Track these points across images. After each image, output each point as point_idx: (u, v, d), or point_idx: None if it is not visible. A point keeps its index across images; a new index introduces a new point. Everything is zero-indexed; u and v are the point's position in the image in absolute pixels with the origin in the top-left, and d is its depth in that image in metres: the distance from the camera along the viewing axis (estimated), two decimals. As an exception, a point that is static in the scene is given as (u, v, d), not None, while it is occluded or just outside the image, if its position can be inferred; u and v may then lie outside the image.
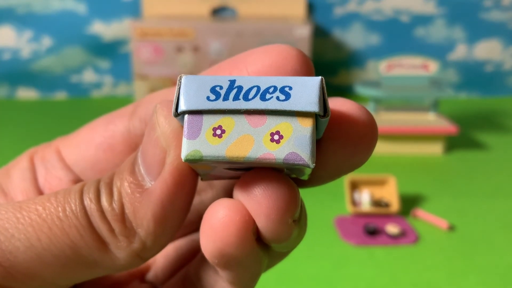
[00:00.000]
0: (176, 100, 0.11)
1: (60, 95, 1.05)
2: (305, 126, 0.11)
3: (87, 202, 0.13)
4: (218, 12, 1.00)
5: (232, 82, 0.11)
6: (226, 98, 0.11)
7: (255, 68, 0.12)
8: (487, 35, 1.05)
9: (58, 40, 1.01)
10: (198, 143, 0.11)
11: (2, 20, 0.99)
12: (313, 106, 0.11)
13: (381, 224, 0.54)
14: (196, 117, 0.11)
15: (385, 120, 0.76)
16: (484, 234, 0.54)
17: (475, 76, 1.08)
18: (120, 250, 0.13)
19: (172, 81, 0.91)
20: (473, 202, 0.61)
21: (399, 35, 1.05)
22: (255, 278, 0.14)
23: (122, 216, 0.13)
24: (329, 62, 1.07)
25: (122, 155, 0.15)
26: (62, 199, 0.13)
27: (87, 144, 0.16)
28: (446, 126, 0.74)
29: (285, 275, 0.46)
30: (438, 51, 1.05)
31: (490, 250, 0.50)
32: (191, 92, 0.11)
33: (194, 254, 0.17)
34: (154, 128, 0.12)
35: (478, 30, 1.05)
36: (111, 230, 0.13)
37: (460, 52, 1.06)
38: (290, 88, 0.11)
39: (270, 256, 0.14)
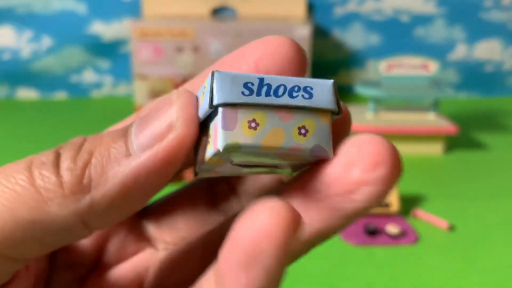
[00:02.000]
0: (210, 94, 0.12)
1: (60, 95, 1.05)
2: (325, 122, 0.12)
3: (35, 165, 0.12)
4: (218, 12, 1.00)
5: (261, 80, 0.12)
6: (259, 94, 0.12)
7: (254, 58, 0.13)
8: (487, 35, 1.05)
9: (58, 40, 1.01)
10: (235, 134, 0.12)
11: (2, 20, 0.99)
12: (331, 104, 0.13)
13: (381, 224, 0.54)
14: (231, 110, 0.12)
15: (385, 120, 0.76)
16: (484, 234, 0.54)
17: (475, 76, 1.08)
18: (63, 206, 0.12)
19: (172, 81, 0.91)
20: (473, 202, 0.61)
21: (399, 35, 1.05)
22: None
23: (83, 170, 0.12)
24: (329, 62, 1.07)
25: None
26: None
27: None
28: (446, 126, 0.74)
29: (285, 275, 0.46)
30: (438, 51, 1.05)
31: (490, 250, 0.50)
32: (226, 86, 0.12)
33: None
34: (170, 103, 0.12)
35: (478, 30, 1.05)
36: (59, 184, 0.12)
37: (460, 52, 1.06)
38: (311, 88, 0.12)
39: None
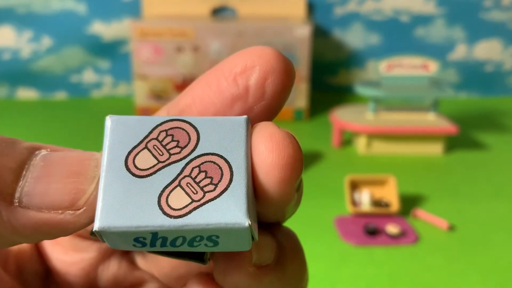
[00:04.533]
0: (99, 236, 0.11)
1: (60, 95, 1.05)
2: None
3: None
4: (218, 12, 1.00)
5: (155, 234, 0.11)
6: (153, 245, 0.11)
7: (233, 73, 0.13)
8: (487, 35, 1.05)
9: (58, 40, 1.01)
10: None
11: (2, 20, 0.99)
12: (244, 248, 0.12)
13: (381, 224, 0.54)
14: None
15: (385, 120, 0.76)
16: (484, 234, 0.54)
17: (475, 76, 1.08)
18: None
19: (172, 81, 0.91)
20: (473, 202, 0.61)
21: (399, 35, 1.05)
22: None
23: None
24: (329, 62, 1.07)
25: None
26: None
27: None
28: (446, 126, 0.74)
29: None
30: (438, 51, 1.05)
31: (490, 250, 0.50)
32: (114, 237, 0.11)
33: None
34: (85, 174, 0.11)
35: (478, 30, 1.05)
36: None
37: (460, 52, 1.06)
38: (217, 236, 0.11)
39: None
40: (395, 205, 0.56)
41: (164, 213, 0.11)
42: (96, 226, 0.11)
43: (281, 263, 0.13)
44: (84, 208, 0.11)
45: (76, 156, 0.11)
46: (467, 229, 0.54)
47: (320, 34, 1.05)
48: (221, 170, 0.11)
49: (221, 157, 0.11)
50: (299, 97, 0.90)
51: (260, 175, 0.12)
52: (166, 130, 0.12)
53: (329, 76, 1.09)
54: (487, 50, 1.06)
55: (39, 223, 0.11)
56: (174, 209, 0.11)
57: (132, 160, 0.11)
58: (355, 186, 0.58)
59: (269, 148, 0.12)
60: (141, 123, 0.12)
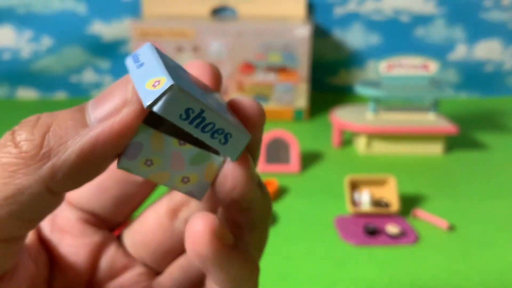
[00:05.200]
0: (157, 97, 0.13)
1: (60, 95, 1.05)
2: (206, 180, 0.15)
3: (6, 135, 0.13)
4: (218, 12, 1.00)
5: (201, 112, 0.14)
6: (191, 122, 0.14)
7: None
8: (487, 35, 1.05)
9: (58, 40, 1.00)
10: (132, 163, 0.14)
11: (2, 20, 0.99)
12: (234, 157, 0.15)
13: (381, 224, 0.54)
14: (137, 145, 0.14)
15: (385, 120, 0.76)
16: (484, 234, 0.54)
17: (475, 76, 1.08)
18: (27, 176, 0.13)
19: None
20: (473, 202, 0.61)
21: (399, 35, 1.05)
22: (239, 284, 0.15)
23: (42, 139, 0.13)
24: (329, 62, 1.07)
25: (112, 187, 0.18)
26: None
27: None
28: (446, 126, 0.74)
29: (285, 275, 0.46)
30: (438, 51, 1.05)
31: (490, 250, 0.50)
32: (173, 101, 0.13)
33: (197, 271, 0.18)
34: (125, 83, 0.14)
35: (478, 30, 1.05)
36: (19, 154, 0.13)
37: (460, 52, 1.06)
38: (231, 136, 0.14)
39: (256, 235, 0.16)
40: (395, 205, 0.56)
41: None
42: (168, 85, 0.13)
43: (261, 185, 0.16)
44: (134, 98, 0.13)
45: (112, 84, 0.14)
46: (467, 229, 0.54)
47: (320, 34, 1.04)
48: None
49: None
50: (299, 97, 0.90)
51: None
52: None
53: (329, 76, 1.09)
54: (487, 50, 1.06)
55: (110, 131, 0.13)
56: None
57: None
58: (355, 186, 0.58)
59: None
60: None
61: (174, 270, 0.18)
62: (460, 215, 0.57)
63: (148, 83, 0.13)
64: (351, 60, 1.07)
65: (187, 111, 0.13)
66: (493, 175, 0.69)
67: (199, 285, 0.18)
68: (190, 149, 0.14)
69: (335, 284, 0.45)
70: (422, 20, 1.04)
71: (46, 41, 1.00)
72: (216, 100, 0.15)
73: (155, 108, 0.13)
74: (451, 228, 0.55)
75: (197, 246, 0.14)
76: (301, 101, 0.91)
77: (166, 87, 0.13)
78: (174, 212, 0.18)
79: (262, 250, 0.17)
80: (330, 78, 1.09)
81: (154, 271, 0.19)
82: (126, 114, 0.13)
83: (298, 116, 0.91)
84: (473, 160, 0.74)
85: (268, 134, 0.69)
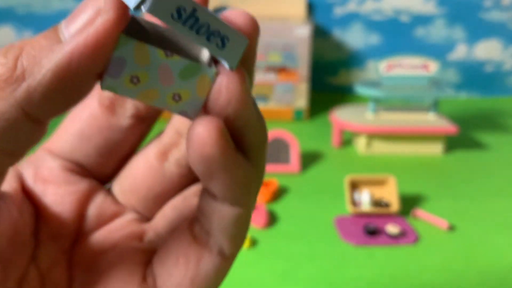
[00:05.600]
0: None
1: (60, 95, 1.05)
2: (200, 95, 0.14)
3: None
4: (218, 12, 1.00)
5: (194, 10, 0.13)
6: (184, 23, 0.13)
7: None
8: (487, 35, 1.05)
9: (58, 40, 1.01)
10: (116, 82, 0.13)
11: (2, 20, 0.99)
12: (233, 63, 0.13)
13: (381, 224, 0.54)
14: (120, 60, 0.13)
15: (385, 120, 0.76)
16: (484, 234, 0.54)
17: (475, 76, 1.08)
18: (1, 100, 0.12)
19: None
20: (473, 202, 0.61)
21: (399, 35, 1.05)
22: (243, 188, 0.14)
23: (15, 61, 0.12)
24: (329, 62, 1.07)
25: (95, 136, 0.17)
26: None
27: (66, 133, 0.17)
28: (446, 126, 0.74)
29: (285, 275, 0.46)
30: (438, 51, 1.05)
31: (490, 250, 0.50)
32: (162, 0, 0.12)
33: (191, 210, 0.17)
34: None
35: (478, 30, 1.05)
36: None
37: (460, 52, 1.06)
38: (228, 39, 0.13)
39: (253, 163, 0.15)
40: (395, 205, 0.56)
41: None
42: None
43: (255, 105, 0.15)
44: (108, 5, 0.12)
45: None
46: (467, 229, 0.54)
47: (320, 34, 1.05)
48: None
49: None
50: (299, 97, 0.90)
51: None
52: None
53: (329, 76, 1.08)
54: (487, 50, 1.06)
55: (85, 43, 0.12)
56: None
57: None
58: (355, 186, 0.58)
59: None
60: None
61: (167, 211, 0.17)
62: (460, 215, 0.57)
63: None
64: (351, 60, 1.07)
65: (178, 10, 0.12)
66: (493, 175, 0.69)
67: (193, 224, 0.17)
68: (178, 61, 0.13)
69: (335, 284, 0.45)
70: (422, 20, 1.04)
71: (46, 41, 1.00)
72: (210, 11, 0.14)
73: (144, 8, 0.12)
74: (451, 228, 0.55)
75: (203, 148, 0.13)
76: (301, 101, 0.91)
77: None
78: (164, 154, 0.17)
79: (260, 186, 0.16)
80: (330, 78, 1.08)
81: (145, 217, 0.18)
82: (100, 23, 0.12)
83: (298, 116, 0.91)
84: (473, 160, 0.74)
85: (268, 134, 0.69)
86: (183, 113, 0.14)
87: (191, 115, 0.14)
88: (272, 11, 0.97)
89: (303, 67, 0.89)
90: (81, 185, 0.17)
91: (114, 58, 0.13)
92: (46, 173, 0.17)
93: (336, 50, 1.06)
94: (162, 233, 0.17)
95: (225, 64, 0.13)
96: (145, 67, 0.13)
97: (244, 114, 0.14)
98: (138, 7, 0.12)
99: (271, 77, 0.90)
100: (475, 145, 0.80)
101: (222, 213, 0.15)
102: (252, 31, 0.14)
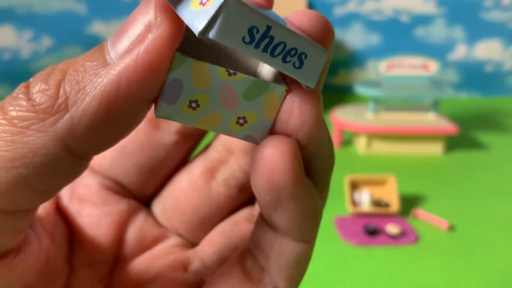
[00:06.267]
0: (211, 17, 0.10)
1: (60, 95, 1.05)
2: (268, 118, 0.12)
3: (6, 101, 0.11)
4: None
5: (268, 29, 0.11)
6: (257, 46, 0.11)
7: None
8: (487, 35, 1.05)
9: (58, 40, 1.01)
10: (173, 108, 0.11)
11: (2, 20, 0.99)
12: (312, 82, 0.11)
13: (381, 224, 0.54)
14: (176, 83, 0.11)
15: (385, 120, 0.76)
16: (484, 234, 0.54)
17: (475, 76, 1.08)
18: (41, 132, 0.10)
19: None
20: (473, 202, 0.61)
21: (399, 35, 1.05)
22: (311, 222, 0.13)
23: (56, 89, 0.10)
24: (329, 62, 1.07)
25: (136, 152, 0.15)
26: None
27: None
28: (446, 126, 0.74)
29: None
30: (438, 51, 1.05)
31: (490, 250, 0.50)
32: (233, 21, 0.10)
33: (241, 237, 0.15)
34: (146, 6, 0.11)
35: (478, 30, 1.05)
36: (32, 107, 0.10)
37: (460, 52, 1.06)
38: (306, 56, 0.11)
39: (319, 189, 0.13)
40: (395, 205, 0.56)
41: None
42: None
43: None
44: (160, 18, 0.10)
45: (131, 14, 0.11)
46: (467, 229, 0.54)
47: (320, 34, 1.05)
48: None
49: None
50: (299, 97, 0.91)
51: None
52: None
53: (329, 76, 1.09)
54: (487, 50, 1.06)
55: (135, 65, 0.10)
56: None
57: None
58: (355, 186, 0.58)
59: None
60: None
61: (215, 237, 0.16)
62: (460, 215, 0.57)
63: (192, 2, 0.10)
64: (351, 60, 1.07)
65: (250, 30, 0.11)
66: (493, 175, 0.69)
67: (245, 256, 0.14)
68: (243, 79, 0.11)
69: (335, 284, 0.45)
70: (422, 20, 1.04)
71: (46, 41, 1.00)
72: (276, 16, 0.12)
73: (212, 34, 0.10)
74: (451, 228, 0.55)
75: (274, 173, 0.11)
76: (301, 101, 0.91)
77: (220, 1, 0.10)
78: (210, 172, 0.15)
79: (322, 211, 0.14)
80: (330, 78, 1.08)
81: (190, 242, 0.16)
82: (152, 40, 0.10)
83: (298, 116, 0.91)
84: (473, 160, 0.74)
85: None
86: (249, 138, 0.12)
87: (258, 140, 0.12)
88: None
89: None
90: (120, 205, 0.15)
91: (169, 81, 0.11)
92: (83, 191, 0.15)
93: (336, 50, 1.06)
94: (209, 263, 0.16)
95: (303, 84, 0.11)
96: (204, 89, 0.11)
97: (317, 139, 0.12)
98: (204, 31, 0.10)
99: (271, 77, 0.90)
100: (475, 145, 0.80)
101: (282, 248, 0.13)
102: (328, 40, 0.12)
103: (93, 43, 1.02)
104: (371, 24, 1.04)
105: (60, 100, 0.10)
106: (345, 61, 1.07)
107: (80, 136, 0.10)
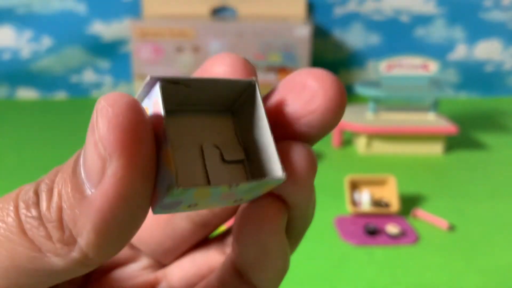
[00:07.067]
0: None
1: (60, 95, 1.05)
2: (263, 193, 0.13)
3: (21, 207, 0.11)
4: (218, 12, 1.00)
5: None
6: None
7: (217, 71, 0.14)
8: (487, 35, 1.05)
9: (58, 40, 1.01)
10: (170, 211, 0.12)
11: (2, 20, 0.99)
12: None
13: (381, 224, 0.54)
14: (174, 202, 0.11)
15: (385, 120, 0.76)
16: (484, 234, 0.54)
17: (475, 76, 1.08)
18: (60, 258, 0.11)
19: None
20: (473, 202, 0.61)
21: (399, 35, 1.05)
22: (281, 278, 0.14)
23: (60, 222, 0.11)
24: (329, 62, 1.07)
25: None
26: None
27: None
28: (446, 126, 0.74)
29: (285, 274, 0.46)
30: (438, 51, 1.05)
31: (490, 250, 0.50)
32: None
33: (210, 268, 0.16)
34: (93, 131, 0.11)
35: (478, 30, 1.05)
36: (49, 237, 0.11)
37: (460, 52, 1.06)
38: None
39: (292, 246, 0.15)
40: (395, 205, 0.56)
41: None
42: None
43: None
44: (112, 152, 0.11)
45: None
46: (467, 229, 0.54)
47: (320, 34, 1.04)
48: None
49: None
50: (299, 97, 0.90)
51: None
52: None
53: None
54: (487, 50, 1.06)
55: (109, 198, 0.11)
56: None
57: None
58: (355, 186, 0.58)
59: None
60: None
61: (185, 263, 0.17)
62: (460, 215, 0.57)
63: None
64: (351, 60, 1.07)
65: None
66: (493, 175, 0.69)
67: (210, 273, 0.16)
68: (245, 186, 0.12)
69: (335, 284, 0.45)
70: (422, 20, 1.04)
71: (46, 41, 1.00)
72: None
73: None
74: (451, 228, 0.55)
75: (262, 232, 0.13)
76: (301, 101, 0.91)
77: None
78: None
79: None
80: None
81: (160, 263, 0.17)
82: (111, 176, 0.10)
83: (298, 116, 0.91)
84: (473, 160, 0.74)
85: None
86: (239, 203, 0.13)
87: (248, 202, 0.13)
88: (272, 11, 0.97)
89: (303, 67, 0.89)
90: None
91: (166, 203, 0.11)
92: None
93: (336, 50, 1.06)
94: (176, 287, 0.17)
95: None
96: (204, 200, 0.12)
97: (305, 205, 0.13)
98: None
99: (271, 77, 0.90)
100: (475, 145, 0.80)
101: None
102: (304, 177, 0.13)
103: (93, 43, 1.02)
104: (371, 24, 1.04)
105: (66, 235, 0.11)
106: (345, 61, 1.07)
107: (93, 257, 0.11)
